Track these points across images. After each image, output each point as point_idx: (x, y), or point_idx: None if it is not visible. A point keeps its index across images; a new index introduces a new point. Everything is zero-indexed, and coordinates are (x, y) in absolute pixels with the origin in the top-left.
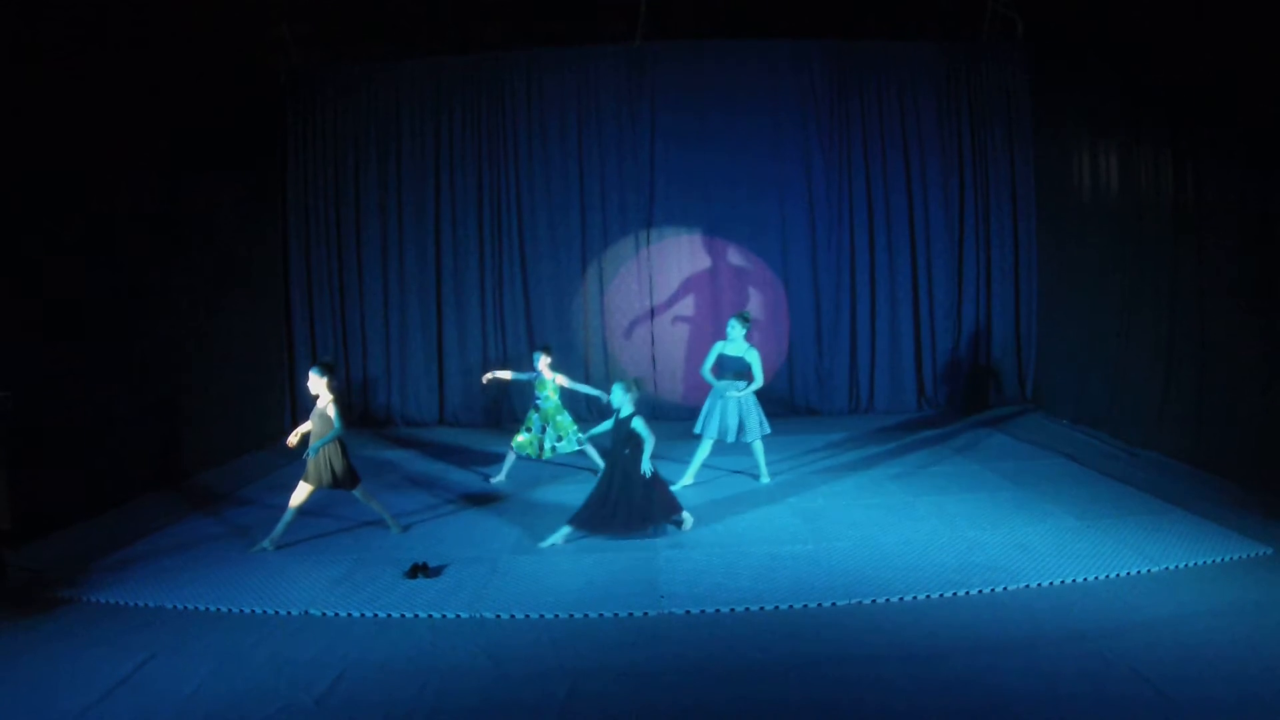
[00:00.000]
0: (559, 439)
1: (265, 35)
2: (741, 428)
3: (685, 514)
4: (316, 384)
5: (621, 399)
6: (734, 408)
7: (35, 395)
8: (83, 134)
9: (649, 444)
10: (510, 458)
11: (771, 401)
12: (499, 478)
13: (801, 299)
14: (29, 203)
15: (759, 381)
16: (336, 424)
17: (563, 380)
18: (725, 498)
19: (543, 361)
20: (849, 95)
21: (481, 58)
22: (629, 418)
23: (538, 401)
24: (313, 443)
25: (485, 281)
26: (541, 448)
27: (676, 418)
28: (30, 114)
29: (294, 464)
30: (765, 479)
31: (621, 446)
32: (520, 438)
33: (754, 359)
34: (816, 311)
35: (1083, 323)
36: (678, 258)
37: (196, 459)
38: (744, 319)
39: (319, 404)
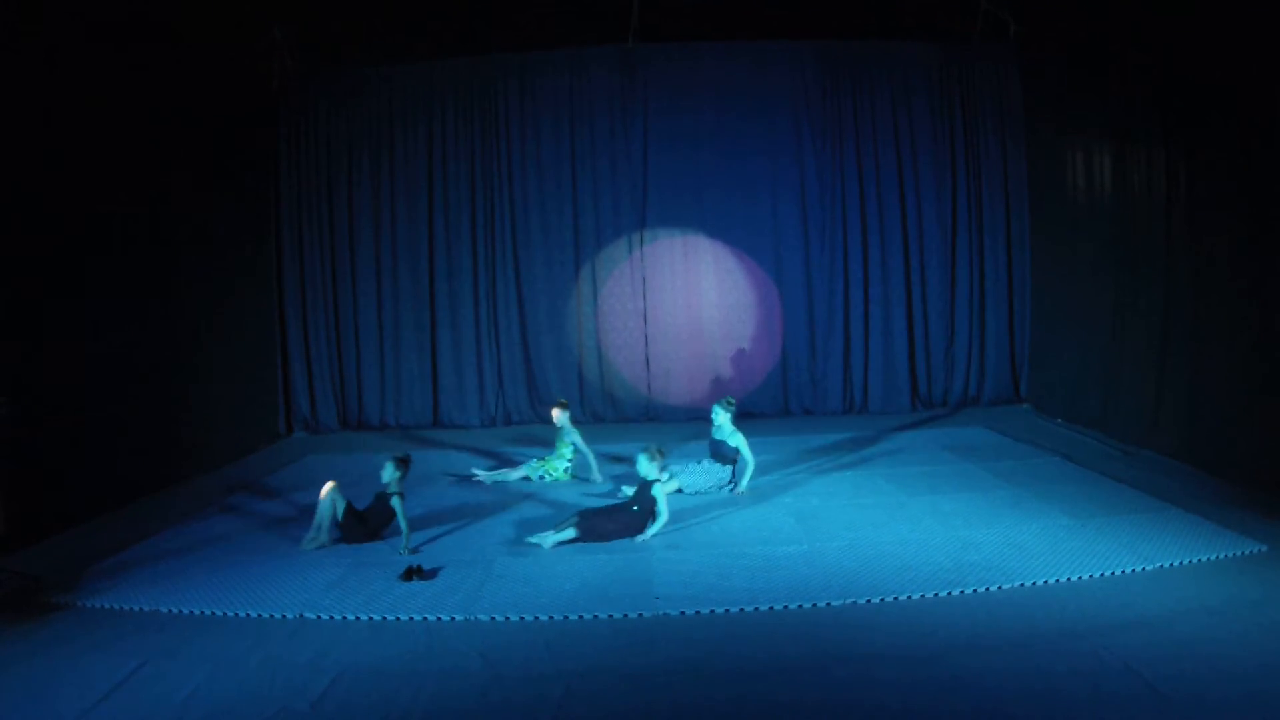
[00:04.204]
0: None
1: (259, 40)
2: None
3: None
4: (389, 476)
5: (648, 468)
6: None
7: (31, 400)
8: (77, 137)
9: (662, 519)
10: (510, 473)
11: (765, 402)
12: (486, 474)
13: (795, 299)
14: (28, 206)
15: (751, 463)
16: (402, 519)
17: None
18: (719, 499)
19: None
20: (842, 96)
21: (474, 61)
22: (653, 483)
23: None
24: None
25: (479, 283)
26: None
27: (671, 419)
28: (23, 116)
29: (289, 466)
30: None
31: (642, 503)
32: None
33: (740, 442)
34: (810, 312)
35: (1076, 322)
36: (671, 259)
37: (192, 463)
38: (728, 403)
39: (389, 491)
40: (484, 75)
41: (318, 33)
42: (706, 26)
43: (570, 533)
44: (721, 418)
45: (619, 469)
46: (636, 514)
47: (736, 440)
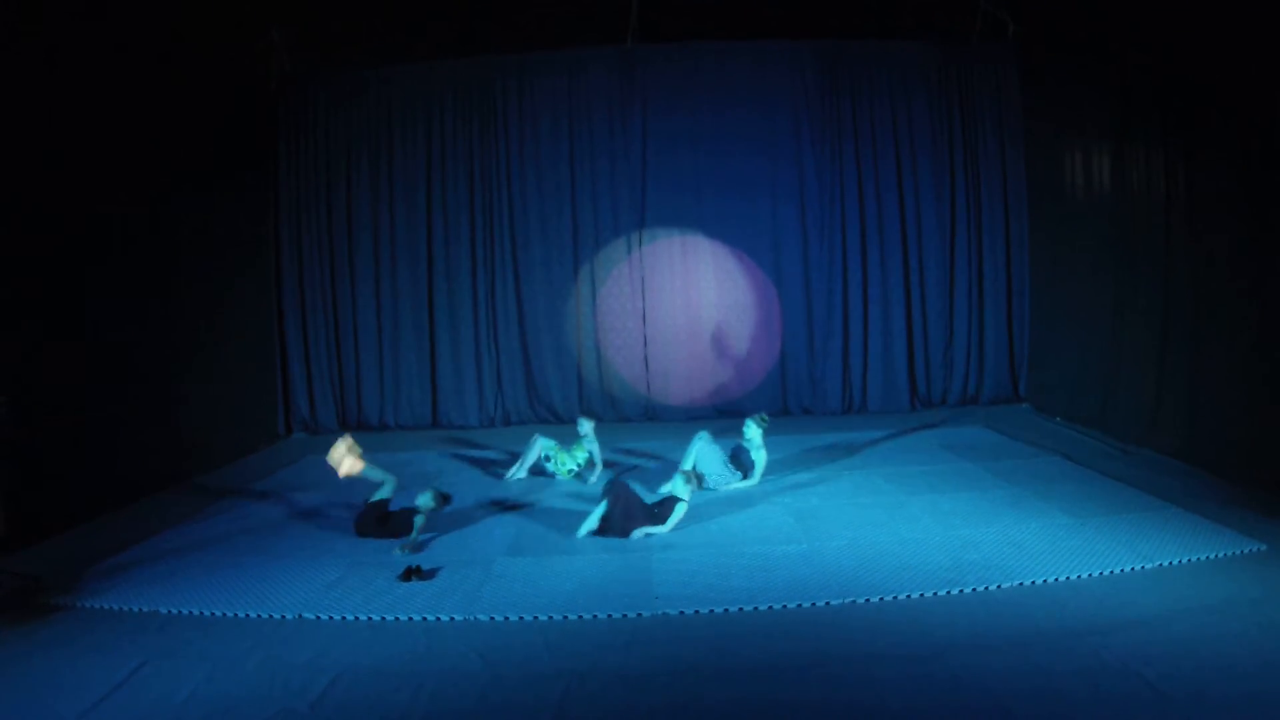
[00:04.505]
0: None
1: (257, 40)
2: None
3: None
4: (424, 502)
5: (681, 488)
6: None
7: (31, 400)
8: (77, 137)
9: (668, 526)
10: (531, 459)
11: (765, 402)
12: (521, 472)
13: (794, 299)
14: (28, 206)
15: (756, 481)
16: (417, 532)
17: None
18: (719, 498)
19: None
20: (841, 96)
21: (473, 61)
22: (679, 501)
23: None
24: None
25: (478, 283)
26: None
27: (669, 419)
28: (23, 116)
29: (289, 467)
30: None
31: (664, 510)
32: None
33: (759, 460)
34: (809, 311)
35: (1076, 321)
36: (670, 259)
37: (191, 464)
38: (761, 419)
39: (420, 513)
40: (483, 75)
41: (316, 33)
42: (706, 26)
43: (603, 505)
44: (752, 431)
45: (637, 461)
46: (657, 515)
47: (758, 456)
